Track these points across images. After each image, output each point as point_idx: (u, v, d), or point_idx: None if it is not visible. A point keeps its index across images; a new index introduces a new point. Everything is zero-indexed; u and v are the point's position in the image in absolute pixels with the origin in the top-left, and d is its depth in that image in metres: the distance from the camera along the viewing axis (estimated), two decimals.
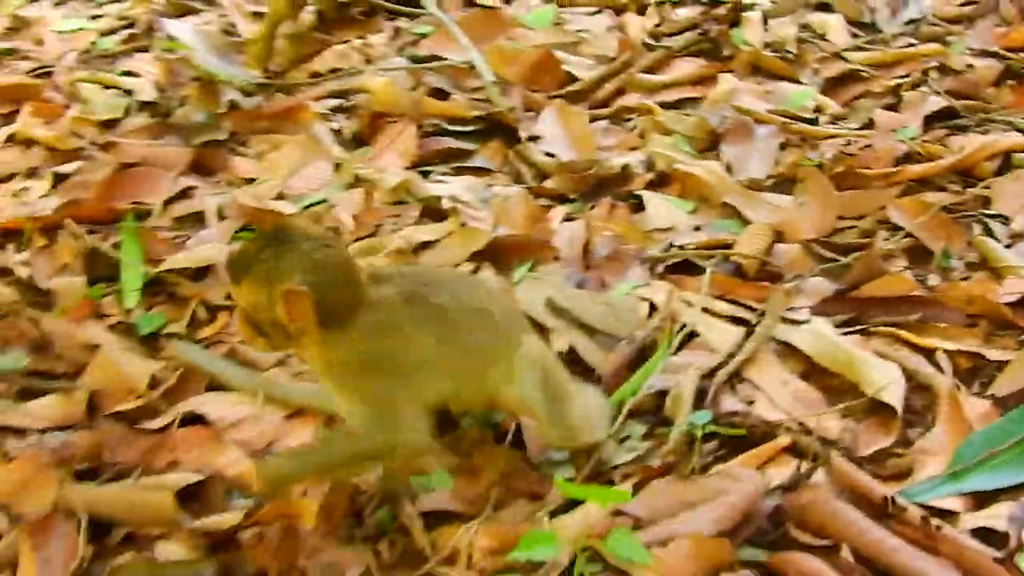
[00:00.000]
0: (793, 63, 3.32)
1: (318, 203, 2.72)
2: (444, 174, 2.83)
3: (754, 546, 1.73)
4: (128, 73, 3.36)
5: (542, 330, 2.16)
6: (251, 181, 2.85)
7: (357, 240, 2.56)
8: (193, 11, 3.65)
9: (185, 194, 2.81)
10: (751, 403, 2.06)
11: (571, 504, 1.79)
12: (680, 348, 2.19)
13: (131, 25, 3.65)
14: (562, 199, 2.73)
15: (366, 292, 1.75)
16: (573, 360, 2.14)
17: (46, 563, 1.78)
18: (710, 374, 2.09)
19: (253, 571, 1.77)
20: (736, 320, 2.25)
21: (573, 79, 3.27)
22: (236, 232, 2.62)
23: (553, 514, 1.78)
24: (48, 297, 2.47)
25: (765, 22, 3.50)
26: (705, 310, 2.27)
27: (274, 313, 1.69)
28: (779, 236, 2.52)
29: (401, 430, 1.77)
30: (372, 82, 3.13)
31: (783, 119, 3.00)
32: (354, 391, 1.77)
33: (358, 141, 3.00)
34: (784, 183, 2.74)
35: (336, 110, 3.13)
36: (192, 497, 1.91)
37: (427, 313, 1.77)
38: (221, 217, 2.69)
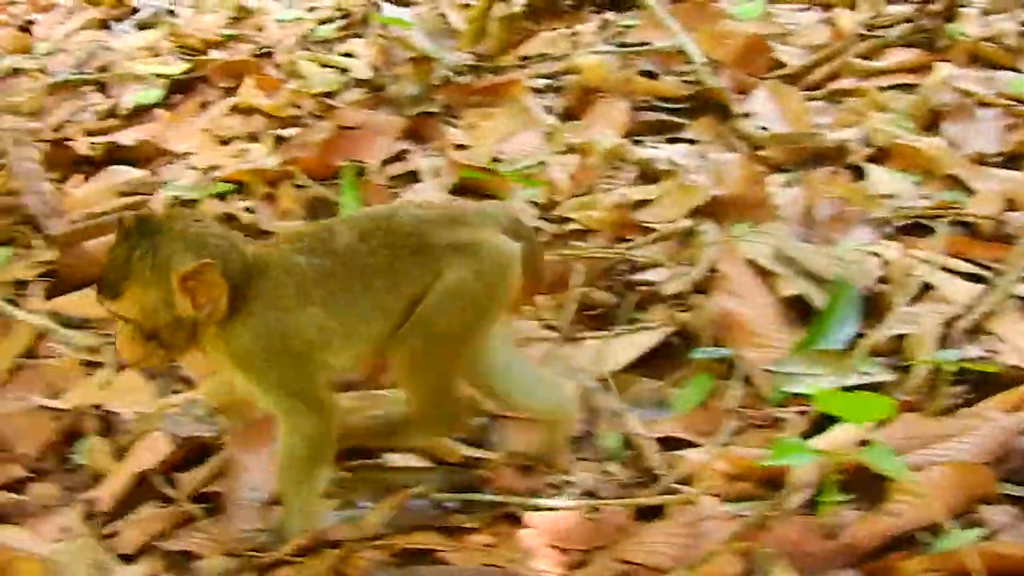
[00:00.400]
0: (1014, 53, 3.19)
1: (532, 166, 2.70)
2: (657, 144, 2.79)
3: (1013, 483, 1.61)
4: (344, 55, 3.45)
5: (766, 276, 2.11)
6: (463, 147, 2.86)
7: (572, 197, 2.54)
8: (407, 3, 3.73)
9: (400, 157, 2.86)
10: (995, 353, 1.93)
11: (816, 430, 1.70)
12: (915, 301, 2.08)
13: (346, 15, 3.77)
14: (778, 169, 2.66)
15: (256, 263, 1.59)
16: (802, 306, 2.07)
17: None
18: (948, 324, 1.98)
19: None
20: (972, 277, 2.14)
21: (781, 65, 3.21)
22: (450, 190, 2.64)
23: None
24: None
25: (984, 15, 3.38)
26: (940, 268, 2.16)
27: (174, 308, 1.52)
28: (1010, 204, 2.40)
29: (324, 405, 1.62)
30: (582, 61, 3.13)
31: (1007, 102, 2.87)
32: (269, 376, 1.61)
33: (568, 116, 2.99)
34: (1012, 160, 2.61)
35: (546, 89, 3.13)
36: None
37: (313, 278, 1.59)
38: (435, 176, 2.71)
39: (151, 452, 1.82)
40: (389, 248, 1.60)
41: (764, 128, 2.82)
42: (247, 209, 2.64)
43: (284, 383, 1.60)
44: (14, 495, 1.81)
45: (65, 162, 3.04)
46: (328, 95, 3.21)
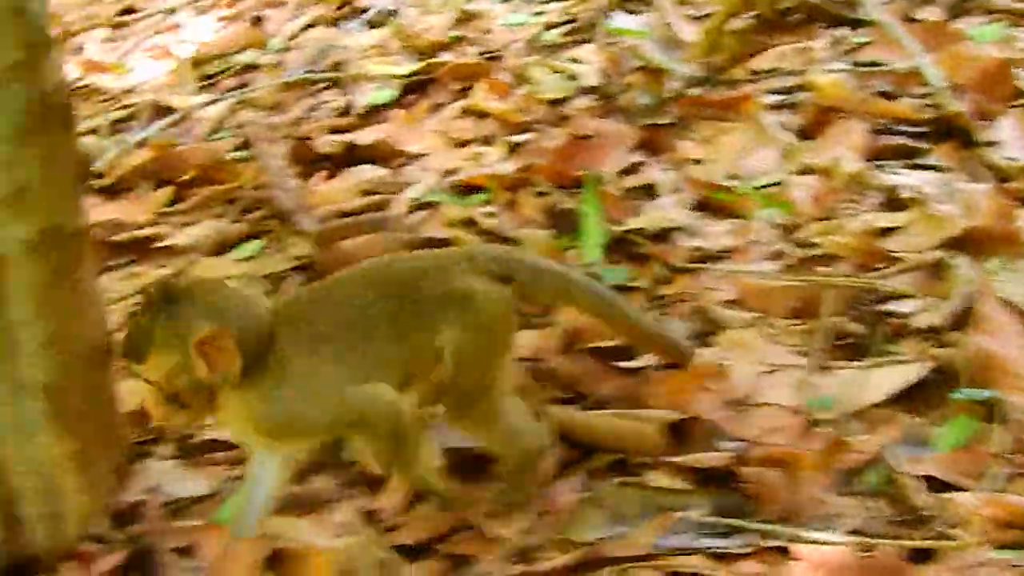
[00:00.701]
0: None
1: (771, 185, 2.69)
2: (899, 169, 2.73)
3: None
4: (573, 60, 3.47)
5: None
6: (698, 162, 2.86)
7: (815, 221, 2.52)
8: (634, 12, 3.74)
9: (634, 168, 2.87)
10: None
11: None
12: None
13: (573, 21, 3.79)
14: None
15: (272, 325, 1.67)
16: None
17: None
18: None
19: (749, 509, 1.74)
20: None
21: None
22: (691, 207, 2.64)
23: None
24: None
25: None
26: None
27: (193, 373, 1.60)
28: None
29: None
30: (818, 79, 3.09)
31: None
32: (296, 432, 1.72)
33: (803, 134, 2.95)
34: None
35: (780, 105, 3.10)
36: (675, 434, 1.91)
37: (323, 335, 1.68)
38: (674, 191, 2.72)
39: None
40: (387, 301, 1.69)
41: (1012, 159, 2.73)
42: (488, 214, 2.69)
43: (315, 430, 1.74)
44: (295, 487, 1.89)
45: (306, 159, 3.15)
46: (559, 102, 3.24)
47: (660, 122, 3.06)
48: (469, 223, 2.69)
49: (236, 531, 1.76)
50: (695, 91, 3.19)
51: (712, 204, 2.63)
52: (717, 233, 2.54)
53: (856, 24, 3.51)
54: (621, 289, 2.35)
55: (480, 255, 1.79)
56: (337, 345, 1.68)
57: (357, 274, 1.77)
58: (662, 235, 2.54)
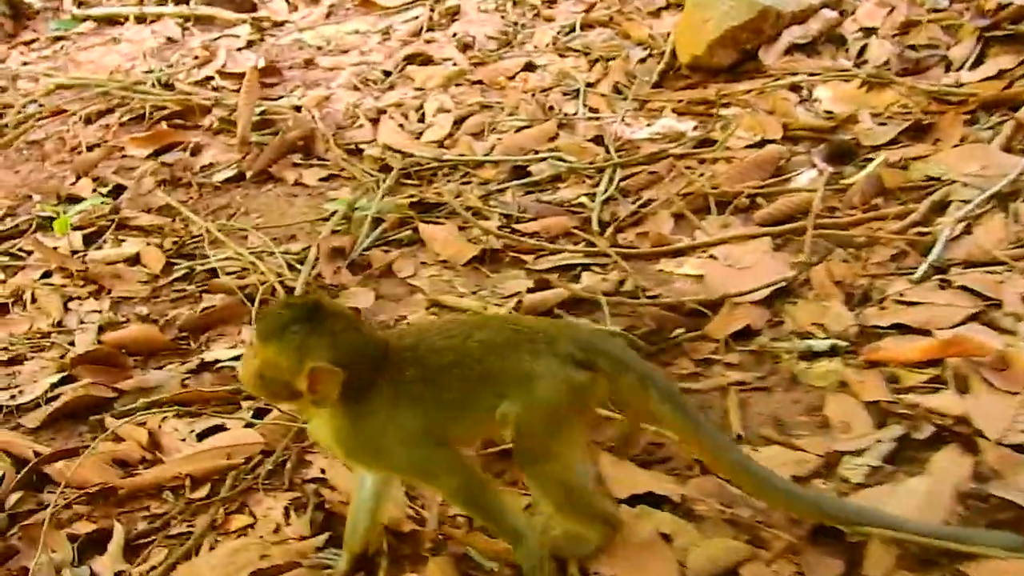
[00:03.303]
0: None
1: None
2: None
3: None
4: None
5: None
6: None
7: None
8: None
9: None
10: None
11: None
12: None
13: None
14: None
15: (380, 363, 1.76)
16: None
17: None
18: None
19: None
20: None
21: None
22: None
23: None
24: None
25: None
26: None
27: (294, 381, 1.70)
28: None
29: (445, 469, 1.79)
30: None
31: None
32: (372, 462, 1.83)
33: None
34: None
35: None
36: None
37: (408, 385, 1.76)
38: None
39: None
40: (468, 366, 1.79)
41: None
42: None
43: (406, 468, 1.86)
44: None
45: None
46: None
47: None
48: None
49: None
50: None
51: None
52: None
53: None
54: None
55: (566, 337, 1.83)
56: (423, 395, 1.77)
57: (456, 331, 1.86)
58: None
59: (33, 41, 5.12)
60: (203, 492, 2.26)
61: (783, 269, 2.69)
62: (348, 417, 1.75)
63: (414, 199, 3.37)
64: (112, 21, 5.25)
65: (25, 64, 4.83)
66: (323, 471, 2.27)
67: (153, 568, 2.06)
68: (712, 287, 2.69)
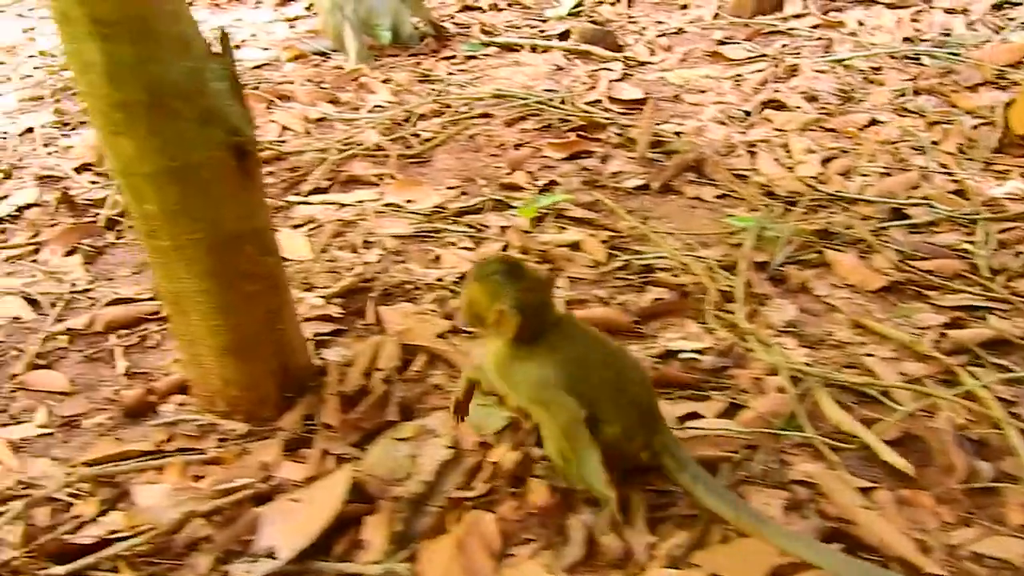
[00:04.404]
0: None
1: None
2: None
3: None
4: None
5: None
6: None
7: None
8: None
9: None
10: None
11: None
12: None
13: None
14: None
15: (551, 327, 1.74)
16: None
17: None
18: None
19: None
20: None
21: None
22: None
23: None
24: None
25: None
26: None
27: (486, 315, 1.72)
28: None
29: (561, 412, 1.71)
30: None
31: None
32: (521, 389, 1.76)
33: None
34: None
35: None
36: None
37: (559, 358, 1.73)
38: None
39: None
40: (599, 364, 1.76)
41: None
42: None
43: (531, 398, 1.76)
44: None
45: None
46: None
47: None
48: None
49: None
50: None
51: None
52: None
53: None
54: None
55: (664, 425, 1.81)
56: (567, 363, 1.73)
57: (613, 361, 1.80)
58: None
59: (452, 57, 4.86)
60: None
61: None
62: (510, 350, 1.74)
63: (815, 226, 2.88)
64: (510, 48, 4.92)
65: (450, 74, 4.56)
66: (809, 476, 1.84)
67: (677, 546, 1.67)
68: None
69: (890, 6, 5.20)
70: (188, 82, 1.66)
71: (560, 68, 4.61)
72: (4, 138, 4.18)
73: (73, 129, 4.24)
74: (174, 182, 1.74)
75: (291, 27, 5.68)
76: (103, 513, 1.86)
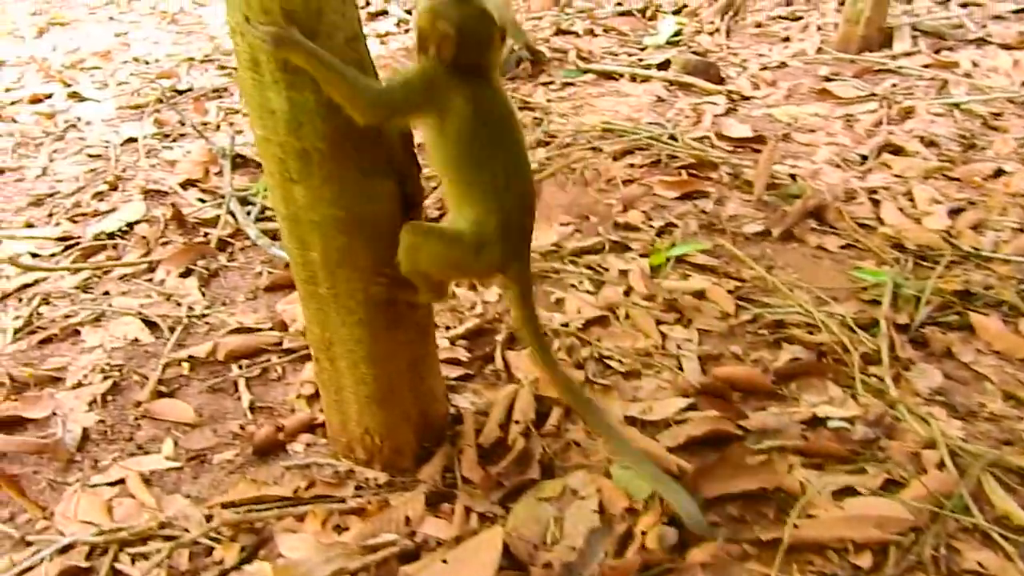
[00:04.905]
0: None
1: None
2: None
3: None
4: None
5: None
6: None
7: None
8: None
9: None
10: None
11: None
12: None
13: None
14: None
15: (484, 76, 1.69)
16: None
17: None
18: None
19: None
20: None
21: None
22: None
23: None
24: None
25: None
26: None
27: (430, 39, 1.67)
28: None
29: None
30: None
31: None
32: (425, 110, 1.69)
33: None
34: None
35: None
36: None
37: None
38: None
39: None
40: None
41: None
42: None
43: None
44: None
45: None
46: None
47: None
48: None
49: None
50: None
51: None
52: None
53: None
54: None
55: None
56: (481, 115, 1.68)
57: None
58: None
59: (549, 83, 4.83)
60: (864, 561, 1.78)
61: None
62: (443, 78, 1.67)
63: (952, 285, 2.77)
64: (608, 76, 4.87)
65: (549, 101, 4.53)
66: (983, 567, 1.74)
67: None
68: None
69: (1005, 47, 5.05)
70: (366, 131, 1.63)
71: (661, 99, 4.55)
72: (106, 147, 4.24)
73: (174, 141, 4.29)
74: (342, 232, 1.72)
75: (382, 43, 5.71)
76: (247, 560, 1.84)
